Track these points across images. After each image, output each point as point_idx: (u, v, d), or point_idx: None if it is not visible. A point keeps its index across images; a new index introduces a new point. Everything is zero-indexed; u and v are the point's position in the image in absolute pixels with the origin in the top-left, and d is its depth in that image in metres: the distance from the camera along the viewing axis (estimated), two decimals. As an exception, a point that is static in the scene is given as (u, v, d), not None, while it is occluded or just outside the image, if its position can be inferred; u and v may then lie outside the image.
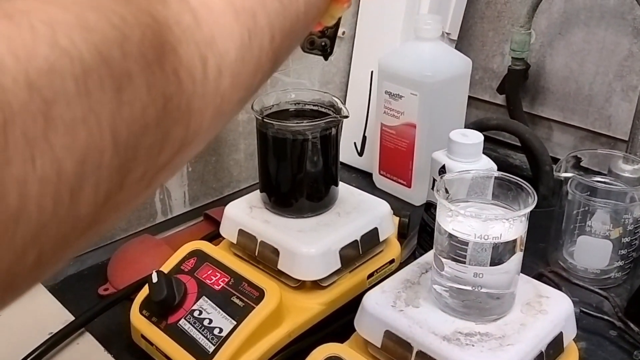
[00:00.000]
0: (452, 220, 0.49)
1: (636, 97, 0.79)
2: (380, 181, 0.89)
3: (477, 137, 0.66)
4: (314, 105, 0.65)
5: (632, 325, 0.60)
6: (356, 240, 0.62)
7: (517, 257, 0.50)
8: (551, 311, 0.52)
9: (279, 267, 0.59)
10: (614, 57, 0.84)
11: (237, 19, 0.26)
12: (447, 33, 0.93)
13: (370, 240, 0.63)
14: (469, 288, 0.49)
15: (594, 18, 0.85)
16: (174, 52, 0.23)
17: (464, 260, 0.48)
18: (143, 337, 0.58)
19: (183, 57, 0.24)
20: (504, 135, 0.94)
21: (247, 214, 0.63)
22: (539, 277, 0.66)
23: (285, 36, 0.30)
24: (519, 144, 0.88)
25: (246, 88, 0.28)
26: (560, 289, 0.62)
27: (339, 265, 0.60)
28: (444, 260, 0.50)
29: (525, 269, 0.65)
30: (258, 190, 0.65)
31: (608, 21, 0.84)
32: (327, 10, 0.33)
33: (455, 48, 0.94)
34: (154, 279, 0.56)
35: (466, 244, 0.47)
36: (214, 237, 0.69)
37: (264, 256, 0.60)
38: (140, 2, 0.23)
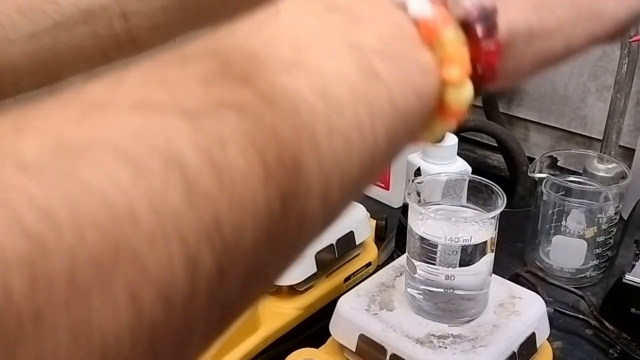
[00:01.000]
0: (423, 223, 0.49)
1: (610, 97, 0.80)
2: (359, 184, 0.89)
3: (451, 140, 0.67)
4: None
5: (607, 324, 0.60)
6: (332, 244, 0.62)
7: (489, 258, 0.50)
8: (524, 312, 0.52)
9: (254, 272, 0.59)
10: (588, 57, 0.85)
11: (267, 178, 0.18)
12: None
13: (347, 244, 0.63)
14: (441, 290, 0.50)
15: (567, 19, 0.86)
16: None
17: (434, 262, 0.48)
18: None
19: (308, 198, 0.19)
20: (482, 136, 0.94)
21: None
22: (516, 277, 0.67)
23: (349, 189, 0.22)
24: (496, 145, 0.89)
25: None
26: (536, 289, 0.63)
27: (315, 270, 0.60)
28: (416, 262, 0.50)
29: (503, 269, 0.65)
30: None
31: (581, 22, 0.84)
32: (428, 127, 0.24)
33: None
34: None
35: (436, 246, 0.48)
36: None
37: (239, 262, 0.60)
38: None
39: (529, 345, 0.51)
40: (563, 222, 0.69)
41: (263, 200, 0.17)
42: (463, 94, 0.22)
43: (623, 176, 0.68)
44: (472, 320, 0.51)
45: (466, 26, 0.22)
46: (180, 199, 0.16)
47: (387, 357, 0.50)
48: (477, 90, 0.23)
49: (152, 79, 0.17)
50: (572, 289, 0.65)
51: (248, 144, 0.17)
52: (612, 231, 0.68)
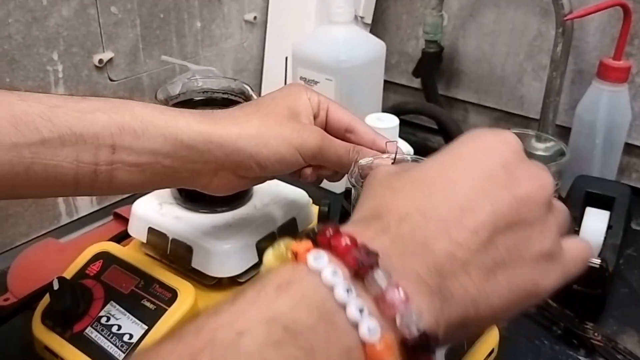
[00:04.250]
0: (368, 207, 0.47)
1: (546, 76, 0.81)
2: (300, 170, 0.87)
3: (392, 121, 0.65)
4: (223, 93, 0.62)
5: (550, 301, 0.61)
6: (273, 232, 0.59)
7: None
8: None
9: (193, 265, 0.56)
10: (524, 37, 0.86)
11: None
12: (360, 17, 0.92)
13: (289, 231, 0.61)
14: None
15: (503, -1, 0.86)
16: None
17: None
18: (47, 349, 0.53)
19: None
20: (422, 119, 0.94)
21: (156, 210, 0.60)
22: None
23: None
24: (437, 127, 0.88)
25: None
26: (480, 270, 0.63)
27: (256, 259, 0.58)
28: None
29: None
30: (168, 185, 0.62)
31: (517, 2, 0.85)
32: None
33: (370, 32, 0.92)
34: (55, 286, 0.52)
35: (382, 230, 0.46)
36: (124, 237, 0.65)
37: (177, 255, 0.57)
38: None
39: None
40: (504, 202, 0.70)
41: None
42: None
43: (561, 154, 0.69)
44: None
45: (407, 347, 0.24)
46: None
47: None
48: None
49: None
50: (515, 268, 0.65)
51: None
52: (552, 209, 0.68)
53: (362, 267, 0.25)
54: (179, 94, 0.61)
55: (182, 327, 0.23)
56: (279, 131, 0.44)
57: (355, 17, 0.89)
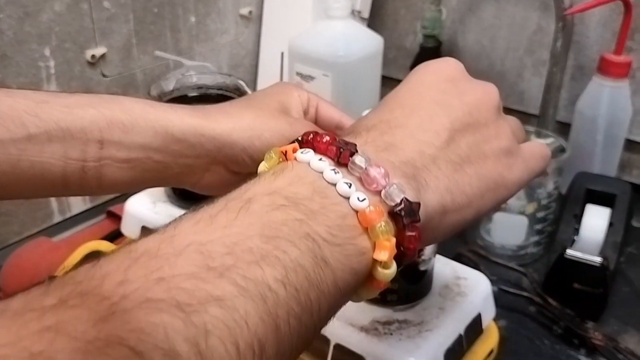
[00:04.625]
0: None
1: (546, 71, 0.80)
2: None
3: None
4: (217, 90, 0.61)
5: (550, 300, 0.60)
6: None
7: (433, 240, 0.48)
8: (469, 293, 0.50)
9: (187, 264, 0.55)
10: (524, 32, 0.84)
11: None
12: (357, 11, 0.91)
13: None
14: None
15: (502, -7, 0.85)
16: None
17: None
18: (38, 350, 0.52)
19: None
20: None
21: (150, 209, 0.59)
22: (458, 257, 0.65)
23: (294, 356, 0.25)
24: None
25: None
26: (479, 268, 0.62)
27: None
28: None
29: (445, 249, 0.64)
30: (162, 183, 0.61)
31: (516, -4, 0.83)
32: (356, 293, 0.29)
33: (368, 27, 0.91)
34: (46, 286, 0.51)
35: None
36: (117, 235, 0.64)
37: (170, 253, 0.56)
38: None
39: (475, 326, 0.50)
40: (504, 199, 0.69)
41: None
42: (388, 271, 0.28)
43: (561, 150, 0.68)
44: (417, 304, 0.49)
45: (395, 216, 0.28)
46: None
47: (331, 348, 0.47)
48: (399, 264, 0.28)
49: (152, 276, 0.21)
50: (514, 267, 0.65)
51: (226, 334, 0.21)
52: (552, 207, 0.67)
53: (343, 154, 0.28)
54: (172, 90, 0.60)
55: (198, 206, 0.26)
56: (273, 124, 0.43)
57: (353, 11, 0.87)
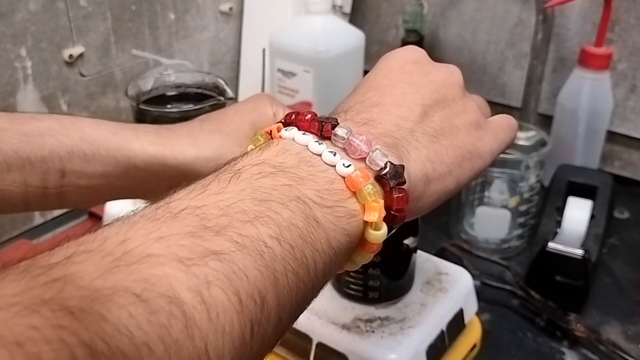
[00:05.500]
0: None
1: (527, 64, 0.80)
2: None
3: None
4: (197, 88, 0.60)
5: (532, 293, 0.60)
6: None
7: (412, 236, 0.48)
8: (451, 288, 0.50)
9: (168, 264, 0.55)
10: (505, 25, 0.84)
11: (242, 310, 0.22)
12: (339, 7, 0.90)
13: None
14: (369, 271, 0.47)
15: (483, -14, 0.85)
16: None
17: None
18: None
19: None
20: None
21: (130, 209, 0.58)
22: (442, 251, 0.65)
23: (294, 313, 0.26)
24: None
25: None
26: (462, 262, 0.62)
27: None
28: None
29: (428, 244, 0.64)
30: (142, 183, 0.60)
31: (497, -11, 0.83)
32: (350, 258, 0.30)
33: (350, 22, 0.91)
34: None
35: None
36: (98, 236, 0.64)
37: (151, 254, 0.56)
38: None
39: (457, 322, 0.50)
40: (486, 193, 0.69)
41: (238, 329, 0.22)
42: (379, 232, 0.28)
43: (542, 144, 0.68)
44: (399, 301, 0.49)
45: (381, 180, 0.29)
46: (181, 330, 0.20)
47: (314, 346, 0.47)
48: (390, 227, 0.29)
49: (151, 235, 0.22)
50: (498, 260, 0.65)
51: (227, 284, 0.22)
52: (534, 200, 0.67)
53: (325, 128, 0.29)
54: (151, 90, 0.59)
55: (190, 181, 0.27)
56: (239, 152, 0.43)
57: (334, 6, 0.87)
